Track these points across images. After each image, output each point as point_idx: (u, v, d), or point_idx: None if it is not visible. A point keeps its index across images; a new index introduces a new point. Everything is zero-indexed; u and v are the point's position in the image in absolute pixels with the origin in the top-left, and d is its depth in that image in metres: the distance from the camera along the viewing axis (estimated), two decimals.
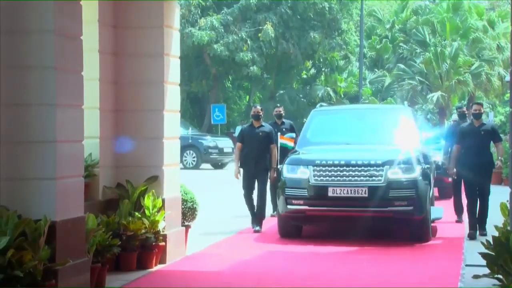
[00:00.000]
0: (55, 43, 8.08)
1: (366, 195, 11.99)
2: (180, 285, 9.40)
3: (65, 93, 8.28)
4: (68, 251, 8.12)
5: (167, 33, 11.18)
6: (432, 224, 13.26)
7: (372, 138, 13.53)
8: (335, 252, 11.57)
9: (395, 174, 12.11)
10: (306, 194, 12.31)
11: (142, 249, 10.25)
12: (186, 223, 11.48)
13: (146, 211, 10.36)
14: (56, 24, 8.09)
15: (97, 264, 8.93)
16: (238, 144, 14.14)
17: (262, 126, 14.11)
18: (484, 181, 13.02)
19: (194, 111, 43.94)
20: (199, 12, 39.27)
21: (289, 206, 12.39)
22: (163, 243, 10.57)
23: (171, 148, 11.19)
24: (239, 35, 38.36)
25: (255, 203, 13.89)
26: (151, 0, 11.02)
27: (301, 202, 12.33)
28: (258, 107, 14.33)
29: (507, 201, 9.01)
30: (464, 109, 15.87)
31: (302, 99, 42.75)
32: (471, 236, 12.74)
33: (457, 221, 14.64)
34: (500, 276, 7.59)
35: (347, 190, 12.06)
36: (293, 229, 12.90)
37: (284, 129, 15.78)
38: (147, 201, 10.40)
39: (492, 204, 12.05)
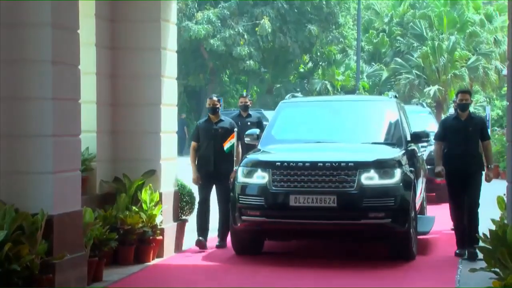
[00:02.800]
0: (52, 37, 8.08)
1: (335, 205, 9.86)
2: (177, 279, 9.42)
3: (62, 87, 8.28)
4: (65, 245, 8.14)
5: (164, 27, 11.18)
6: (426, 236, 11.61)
7: (347, 136, 11.37)
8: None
9: (370, 179, 9.97)
10: (264, 203, 10.10)
11: (140, 243, 10.27)
12: (183, 217, 11.49)
13: (144, 205, 10.37)
14: (53, 18, 8.09)
15: (94, 258, 8.94)
16: (193, 143, 11.70)
17: (221, 120, 11.64)
18: (472, 188, 10.49)
19: (191, 105, 43.92)
20: (196, 6, 39.22)
21: (243, 218, 10.23)
22: (160, 237, 10.59)
23: (168, 142, 11.21)
24: (236, 29, 38.33)
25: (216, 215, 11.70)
26: None
27: (258, 213, 10.13)
28: (214, 98, 11.78)
29: (504, 194, 9.02)
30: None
31: (302, 94, 42.74)
32: (460, 255, 10.53)
33: (453, 229, 11.29)
34: (497, 270, 7.61)
35: (312, 199, 9.92)
36: (251, 244, 10.77)
37: (249, 123, 13.29)
38: (145, 195, 10.41)
39: (490, 198, 11.21)
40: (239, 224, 10.35)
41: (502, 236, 7.87)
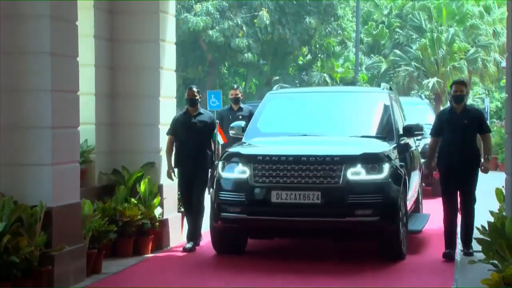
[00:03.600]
0: (50, 29, 8.07)
1: (319, 201, 9.34)
2: (176, 271, 9.43)
3: (61, 79, 8.28)
4: (64, 237, 8.15)
5: (163, 18, 11.17)
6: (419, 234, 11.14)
7: (336, 129, 10.88)
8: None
9: (357, 174, 9.41)
10: (244, 200, 9.54)
11: (138, 235, 10.28)
12: (182, 209, 11.49)
13: (142, 197, 10.37)
14: (52, 10, 8.08)
15: (93, 250, 8.96)
16: (169, 137, 10.87)
17: (200, 113, 10.90)
18: (468, 184, 10.00)
19: None
20: None
21: (223, 215, 9.67)
22: (159, 229, 10.59)
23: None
24: (235, 21, 38.27)
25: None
26: None
27: (238, 209, 9.56)
28: (194, 89, 10.98)
29: (503, 186, 9.03)
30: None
31: (299, 85, 42.71)
32: (449, 256, 9.84)
33: None
34: (496, 262, 7.62)
35: (295, 195, 9.38)
36: (232, 243, 10.22)
37: (240, 117, 13.01)
38: (143, 187, 10.42)
39: (488, 190, 11.11)
40: (218, 222, 9.78)
41: (500, 228, 7.89)
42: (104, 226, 9.29)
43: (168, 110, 11.30)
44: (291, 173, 9.48)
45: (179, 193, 11.24)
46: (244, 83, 45.18)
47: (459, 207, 10.11)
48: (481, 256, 7.97)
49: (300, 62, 45.07)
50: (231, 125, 11.32)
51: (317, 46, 42.67)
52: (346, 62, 43.46)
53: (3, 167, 8.08)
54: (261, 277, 8.98)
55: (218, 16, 38.26)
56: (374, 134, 10.65)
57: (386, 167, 9.52)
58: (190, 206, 10.78)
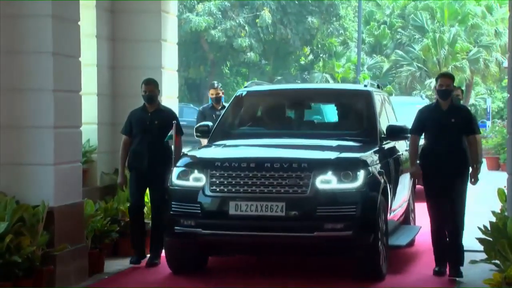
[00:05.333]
0: (53, 28, 8.07)
1: (283, 213, 8.10)
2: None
3: (63, 78, 8.28)
4: (66, 236, 8.15)
5: (165, 18, 11.18)
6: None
7: (311, 130, 9.94)
8: None
9: (327, 182, 8.18)
10: (199, 211, 8.31)
11: None
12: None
13: (144, 197, 10.37)
14: (54, 9, 8.08)
15: (95, 249, 8.96)
16: (124, 138, 9.55)
17: (159, 110, 9.58)
18: (454, 192, 8.64)
19: (192, 97, 43.92)
20: None
21: (176, 228, 8.43)
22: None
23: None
24: (237, 21, 38.31)
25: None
26: None
27: (192, 222, 8.32)
28: (152, 84, 9.59)
29: (504, 186, 9.02)
30: (459, 91, 10.81)
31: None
32: (439, 273, 8.75)
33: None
34: (497, 261, 7.62)
35: (256, 206, 8.15)
36: (188, 261, 8.92)
37: None
38: None
39: (490, 190, 10.75)
40: (172, 237, 8.65)
41: (502, 228, 7.89)
42: (106, 226, 9.28)
43: None
44: (252, 181, 8.25)
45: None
46: (245, 82, 45.17)
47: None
48: (482, 256, 7.97)
49: (302, 62, 45.10)
50: (196, 126, 10.04)
51: (319, 46, 42.72)
52: (348, 62, 43.47)
53: (5, 167, 8.09)
54: None
55: (220, 16, 38.31)
56: (353, 136, 9.40)
57: (362, 174, 8.26)
58: (140, 215, 9.49)
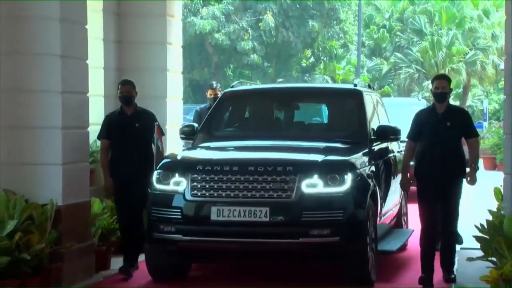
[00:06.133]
0: (61, 32, 8.08)
1: (267, 219, 7.56)
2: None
3: (71, 80, 8.29)
4: (73, 234, 8.15)
5: (170, 22, 11.19)
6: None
7: (297, 132, 9.33)
8: None
9: (313, 186, 7.65)
10: (180, 217, 7.77)
11: None
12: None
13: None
14: (62, 13, 8.09)
15: (102, 247, 8.95)
16: (103, 142, 8.88)
17: (139, 112, 8.92)
18: (449, 198, 8.18)
19: (196, 98, 43.91)
20: (201, 1, 39.19)
21: (155, 235, 7.91)
22: None
23: (174, 134, 11.20)
24: (240, 24, 38.31)
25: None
26: None
27: (173, 229, 7.76)
28: (129, 84, 8.94)
29: (501, 186, 9.01)
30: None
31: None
32: (424, 283, 8.10)
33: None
34: (494, 259, 7.61)
35: (240, 211, 7.60)
36: (169, 268, 8.28)
37: None
38: None
39: (487, 189, 10.64)
40: (151, 243, 8.10)
41: (498, 226, 7.88)
42: (112, 224, 9.28)
43: (175, 111, 11.30)
44: (235, 185, 7.69)
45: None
46: (248, 84, 45.12)
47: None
48: (479, 253, 7.96)
49: (304, 64, 45.08)
50: (181, 127, 9.48)
51: (320, 49, 42.70)
52: (348, 65, 43.46)
53: (14, 166, 8.09)
54: None
55: (224, 19, 38.31)
56: (342, 137, 8.85)
57: (349, 177, 7.72)
58: (128, 223, 8.82)
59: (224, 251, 7.91)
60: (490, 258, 7.70)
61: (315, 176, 7.68)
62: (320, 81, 41.61)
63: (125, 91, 8.82)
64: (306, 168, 7.76)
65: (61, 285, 7.95)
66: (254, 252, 7.86)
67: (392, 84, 42.64)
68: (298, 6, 39.56)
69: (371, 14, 45.94)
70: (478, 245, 8.02)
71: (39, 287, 7.53)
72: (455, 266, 8.62)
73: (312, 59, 44.63)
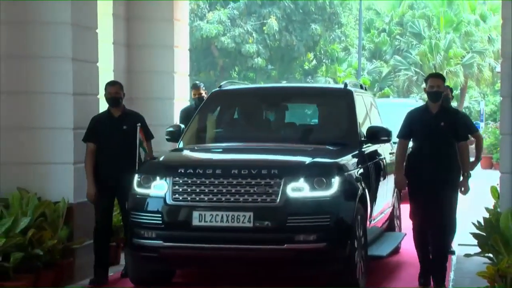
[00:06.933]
0: (72, 35, 8.10)
1: (251, 224, 6.95)
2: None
3: (82, 82, 8.31)
4: (85, 231, 8.17)
5: (177, 26, 11.21)
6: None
7: (285, 134, 8.71)
8: None
9: (299, 190, 7.03)
10: (160, 222, 7.15)
11: None
12: None
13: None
14: (73, 17, 8.11)
15: (112, 243, 8.95)
16: (89, 145, 8.07)
17: (126, 114, 8.28)
18: (443, 204, 7.59)
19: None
20: (207, 6, 39.22)
21: (135, 241, 7.32)
22: None
23: None
24: (245, 28, 38.32)
25: None
26: None
27: (153, 234, 7.17)
28: (117, 85, 8.30)
29: (497, 184, 9.01)
30: (448, 91, 9.46)
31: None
32: (424, 286, 7.75)
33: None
34: (491, 255, 7.61)
35: (222, 216, 6.99)
36: (152, 274, 7.71)
37: None
38: None
39: (484, 187, 10.44)
40: (132, 249, 7.48)
41: (495, 224, 7.87)
42: (122, 220, 9.29)
43: None
44: (218, 189, 7.07)
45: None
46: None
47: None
48: (476, 249, 7.96)
49: (306, 67, 45.07)
50: (167, 128, 8.80)
51: (322, 52, 42.68)
52: (349, 67, 43.45)
53: (28, 165, 8.11)
54: None
55: (229, 23, 38.33)
56: (330, 139, 8.22)
57: (337, 180, 7.12)
58: (108, 235, 8.18)
59: (206, 258, 7.22)
60: (487, 254, 7.70)
61: (301, 180, 7.07)
62: (323, 83, 41.59)
63: (113, 92, 8.17)
64: (292, 171, 7.16)
65: (73, 280, 7.97)
66: (237, 259, 7.16)
67: (391, 86, 42.61)
68: (301, 10, 39.57)
69: (371, 19, 45.92)
70: (475, 242, 8.01)
71: (52, 281, 7.56)
72: (452, 277, 8.37)
73: (314, 62, 44.63)
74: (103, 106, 9.37)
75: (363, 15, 39.93)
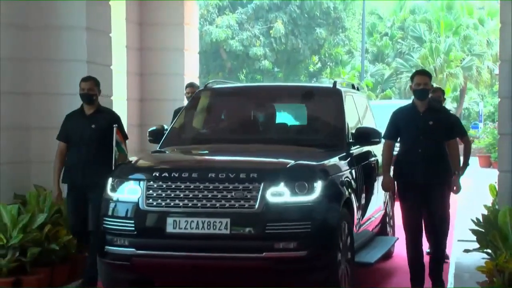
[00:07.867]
0: (87, 39, 8.11)
1: (228, 231, 6.25)
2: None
3: None
4: None
5: (187, 30, 11.23)
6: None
7: (269, 134, 7.93)
8: None
9: (279, 195, 6.32)
10: (133, 229, 6.41)
11: None
12: None
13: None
14: (88, 22, 8.13)
15: None
16: (60, 145, 7.47)
17: (98, 112, 7.48)
18: (435, 205, 7.09)
19: None
20: (217, 11, 39.26)
21: (107, 248, 6.54)
22: None
23: None
24: (253, 32, 38.34)
25: None
26: (173, 0, 11.04)
27: (125, 242, 6.43)
28: (91, 80, 7.43)
29: (496, 182, 8.99)
30: (439, 93, 9.17)
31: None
32: None
33: (428, 253, 8.07)
34: (489, 251, 7.59)
35: (198, 223, 6.27)
36: (126, 284, 6.81)
37: None
38: None
39: (482, 185, 10.37)
40: (103, 257, 6.65)
41: (493, 220, 7.86)
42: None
43: None
44: (194, 194, 6.35)
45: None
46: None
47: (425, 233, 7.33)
48: (475, 245, 7.94)
49: (311, 70, 45.06)
50: (150, 129, 8.01)
51: (326, 55, 42.66)
52: (352, 70, 43.42)
53: (45, 164, 8.13)
54: None
55: (237, 28, 38.36)
56: (317, 141, 7.59)
57: (319, 185, 6.39)
58: (83, 235, 7.40)
59: (180, 266, 6.43)
60: (485, 250, 7.68)
61: (281, 184, 6.33)
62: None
63: (86, 88, 7.34)
64: (272, 175, 6.42)
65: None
66: (213, 268, 6.38)
67: (393, 88, 42.55)
68: (306, 15, 39.57)
69: (374, 23, 45.86)
70: (474, 238, 7.99)
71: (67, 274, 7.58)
72: (451, 280, 8.09)
73: (319, 65, 44.61)
74: (117, 106, 9.43)
75: (366, 20, 39.91)
